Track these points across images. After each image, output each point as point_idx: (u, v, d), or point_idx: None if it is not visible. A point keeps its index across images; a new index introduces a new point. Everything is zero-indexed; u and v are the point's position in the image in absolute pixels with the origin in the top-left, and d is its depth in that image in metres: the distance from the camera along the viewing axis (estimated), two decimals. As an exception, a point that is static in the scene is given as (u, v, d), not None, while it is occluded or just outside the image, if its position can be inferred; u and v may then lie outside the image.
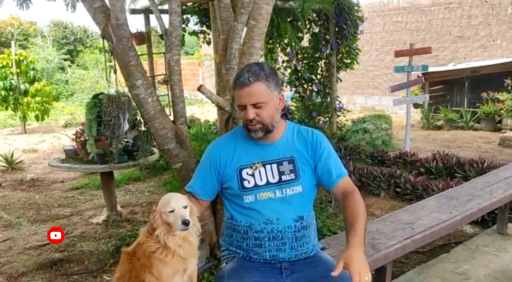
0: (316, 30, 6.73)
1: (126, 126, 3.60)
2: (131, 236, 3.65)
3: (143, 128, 3.78)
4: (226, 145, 1.87)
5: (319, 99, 6.82)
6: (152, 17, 5.94)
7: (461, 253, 3.24)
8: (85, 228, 4.14)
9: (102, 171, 3.90)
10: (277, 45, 6.63)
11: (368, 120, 7.52)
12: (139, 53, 3.23)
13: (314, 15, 6.59)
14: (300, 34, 6.55)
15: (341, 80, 7.04)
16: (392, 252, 2.30)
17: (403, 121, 7.28)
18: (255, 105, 1.71)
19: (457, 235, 3.69)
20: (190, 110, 10.77)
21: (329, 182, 1.83)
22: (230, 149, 1.84)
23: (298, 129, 1.89)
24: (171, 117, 3.04)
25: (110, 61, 3.75)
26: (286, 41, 6.44)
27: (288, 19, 6.06)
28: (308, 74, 6.72)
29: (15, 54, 9.91)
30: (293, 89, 6.82)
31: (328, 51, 6.67)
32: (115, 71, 3.61)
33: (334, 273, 1.51)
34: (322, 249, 1.93)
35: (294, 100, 6.99)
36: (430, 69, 7.72)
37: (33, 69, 10.38)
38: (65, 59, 19.04)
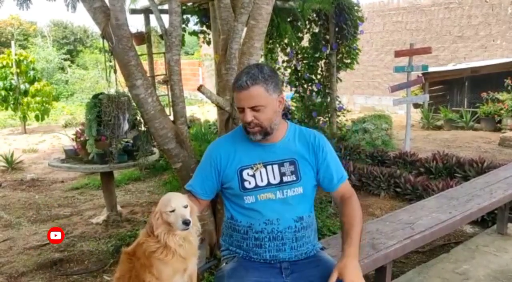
0: (316, 30, 6.73)
1: (126, 126, 3.60)
2: (131, 236, 3.65)
3: (143, 128, 3.78)
4: (226, 145, 1.87)
5: (319, 99, 6.82)
6: (152, 17, 5.94)
7: (461, 253, 3.25)
8: (85, 228, 4.15)
9: (102, 171, 3.90)
10: (277, 45, 6.62)
11: (368, 120, 7.53)
12: (139, 53, 3.23)
13: (314, 15, 6.58)
14: (300, 34, 6.54)
15: (341, 80, 7.03)
16: (392, 252, 2.30)
17: (403, 121, 7.28)
18: (253, 109, 1.71)
19: (457, 235, 3.70)
20: (190, 110, 10.78)
21: (330, 187, 1.86)
22: (230, 149, 1.84)
23: (299, 130, 1.89)
24: (171, 117, 3.04)
25: (110, 61, 3.75)
26: (286, 41, 6.43)
27: (288, 19, 6.06)
28: (308, 74, 6.71)
29: (15, 54, 9.92)
30: (293, 89, 6.82)
31: (328, 51, 6.66)
32: (115, 71, 3.61)
33: None
34: (322, 249, 1.93)
35: (294, 100, 6.99)
36: (430, 69, 7.72)
37: (33, 69, 10.39)
38: (65, 59, 19.05)
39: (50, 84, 11.93)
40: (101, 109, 3.53)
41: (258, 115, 1.72)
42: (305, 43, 6.86)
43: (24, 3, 3.62)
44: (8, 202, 5.14)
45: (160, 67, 10.04)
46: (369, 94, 12.44)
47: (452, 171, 5.10)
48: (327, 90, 6.84)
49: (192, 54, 20.85)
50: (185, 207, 1.62)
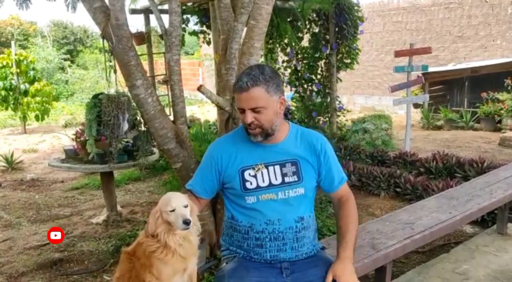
0: (316, 30, 6.74)
1: (126, 126, 3.60)
2: (131, 236, 3.65)
3: (143, 128, 3.78)
4: (227, 146, 1.87)
5: (319, 99, 6.83)
6: (152, 17, 5.94)
7: (461, 253, 3.24)
8: (85, 228, 4.14)
9: (102, 171, 3.90)
10: (277, 45, 6.63)
11: (368, 120, 7.52)
12: (139, 53, 3.23)
13: (314, 15, 6.59)
14: (300, 34, 6.55)
15: (341, 80, 7.04)
16: (392, 252, 2.30)
17: (403, 121, 7.28)
18: (253, 110, 1.71)
19: (457, 235, 3.69)
20: (190, 110, 10.77)
21: (330, 188, 1.90)
22: (232, 150, 1.84)
23: (301, 131, 1.90)
24: (171, 117, 3.04)
25: (110, 61, 3.75)
26: (286, 41, 6.44)
27: (288, 19, 6.07)
28: (308, 74, 6.72)
29: (15, 54, 9.92)
30: (293, 89, 6.83)
31: (328, 51, 6.67)
32: (115, 71, 3.61)
33: None
34: (322, 248, 1.93)
35: (294, 100, 6.99)
36: (430, 69, 7.72)
37: (33, 69, 10.39)
38: (65, 59, 19.04)
39: (50, 84, 11.93)
40: (101, 109, 3.53)
41: (258, 116, 1.72)
42: (305, 43, 6.86)
43: (24, 3, 3.63)
44: (8, 202, 5.14)
45: (160, 67, 10.05)
46: (369, 94, 12.44)
47: (452, 171, 5.10)
48: (327, 90, 6.85)
49: (192, 54, 20.85)
50: (185, 206, 1.62)
